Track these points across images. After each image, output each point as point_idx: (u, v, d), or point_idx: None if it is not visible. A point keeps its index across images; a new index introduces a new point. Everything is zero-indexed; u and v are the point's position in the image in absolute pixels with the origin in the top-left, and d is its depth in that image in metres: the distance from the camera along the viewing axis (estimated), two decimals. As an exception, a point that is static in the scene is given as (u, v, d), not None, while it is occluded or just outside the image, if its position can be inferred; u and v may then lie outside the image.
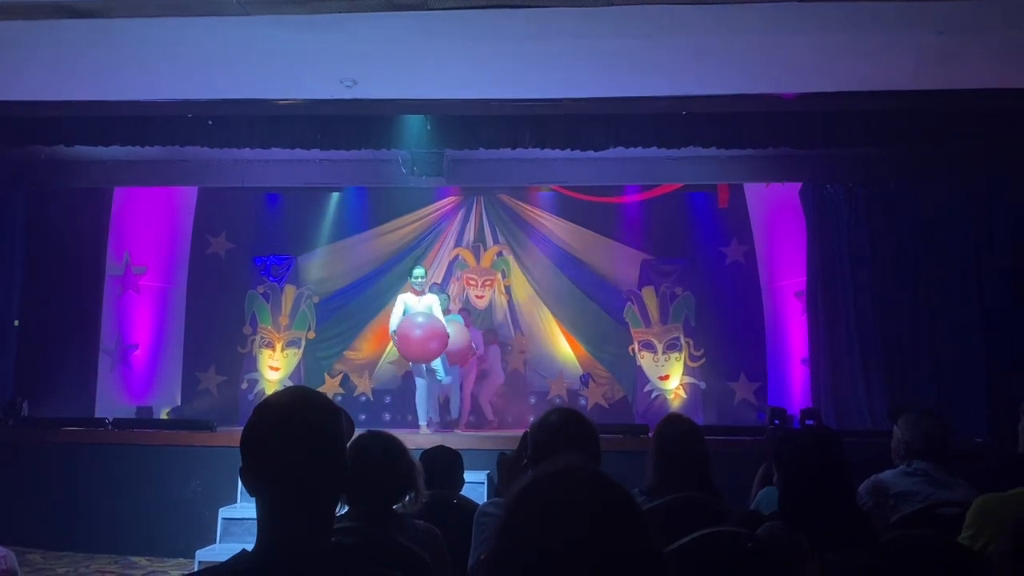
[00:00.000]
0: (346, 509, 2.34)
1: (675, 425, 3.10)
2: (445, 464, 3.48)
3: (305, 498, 1.43)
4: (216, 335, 9.82)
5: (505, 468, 2.77)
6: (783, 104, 6.49)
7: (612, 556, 1.11)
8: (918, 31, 5.08)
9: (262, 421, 1.46)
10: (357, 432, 2.63)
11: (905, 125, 6.74)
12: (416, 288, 7.75)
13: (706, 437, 3.12)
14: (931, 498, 3.06)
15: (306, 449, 1.43)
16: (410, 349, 7.55)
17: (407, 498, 2.50)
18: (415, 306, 7.62)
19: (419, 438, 6.73)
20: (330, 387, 9.82)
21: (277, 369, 9.74)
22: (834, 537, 2.11)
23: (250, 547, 1.46)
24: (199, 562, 5.79)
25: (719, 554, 2.14)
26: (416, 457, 2.78)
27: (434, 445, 3.72)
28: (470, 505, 3.18)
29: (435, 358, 7.57)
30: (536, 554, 1.10)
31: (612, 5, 4.72)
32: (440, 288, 8.93)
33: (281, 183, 9.04)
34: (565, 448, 2.28)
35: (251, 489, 1.46)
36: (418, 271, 7.91)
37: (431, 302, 7.71)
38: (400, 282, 10.15)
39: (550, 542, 1.11)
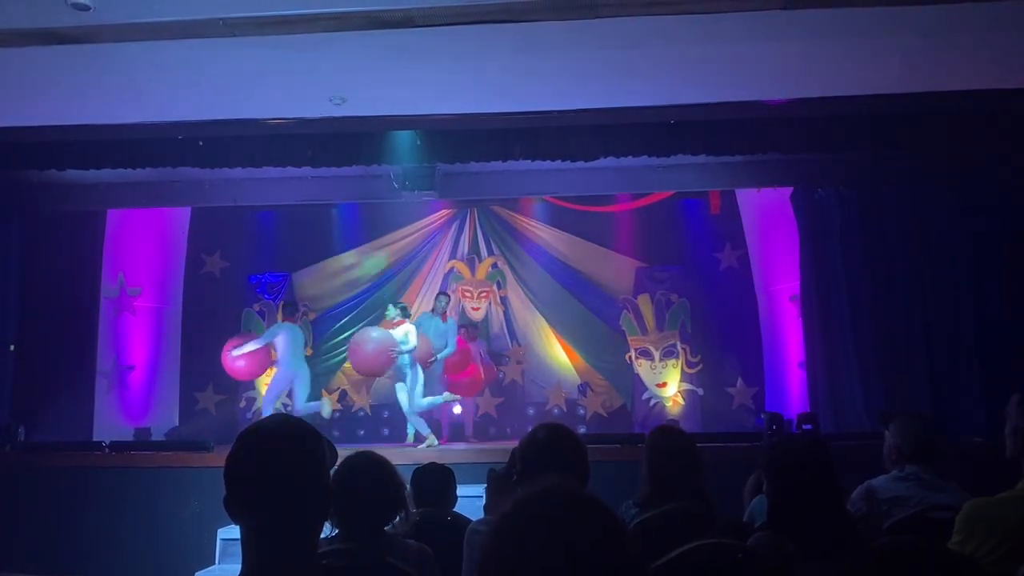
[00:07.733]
0: (336, 531, 2.34)
1: (666, 436, 3.11)
2: (437, 481, 3.47)
3: (288, 525, 1.44)
4: (213, 354, 9.77)
5: (495, 484, 2.78)
6: (770, 110, 6.51)
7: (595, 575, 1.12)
8: (903, 35, 5.11)
9: (243, 450, 1.47)
10: (352, 449, 2.64)
11: (893, 128, 6.77)
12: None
13: (704, 444, 3.13)
14: (924, 502, 3.06)
15: (287, 477, 1.44)
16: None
17: (397, 518, 2.50)
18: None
19: (417, 453, 6.73)
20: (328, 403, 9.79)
21: (275, 387, 9.70)
22: (822, 545, 2.12)
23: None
24: (198, 584, 5.78)
25: (709, 566, 2.14)
26: (406, 475, 2.78)
27: (427, 461, 3.72)
28: (463, 522, 3.18)
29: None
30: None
31: (598, 17, 4.75)
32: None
33: (274, 201, 9.05)
34: (553, 464, 2.28)
35: (235, 517, 1.47)
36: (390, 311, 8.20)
37: (407, 330, 7.92)
38: (395, 296, 10.19)
39: (532, 566, 1.12)
